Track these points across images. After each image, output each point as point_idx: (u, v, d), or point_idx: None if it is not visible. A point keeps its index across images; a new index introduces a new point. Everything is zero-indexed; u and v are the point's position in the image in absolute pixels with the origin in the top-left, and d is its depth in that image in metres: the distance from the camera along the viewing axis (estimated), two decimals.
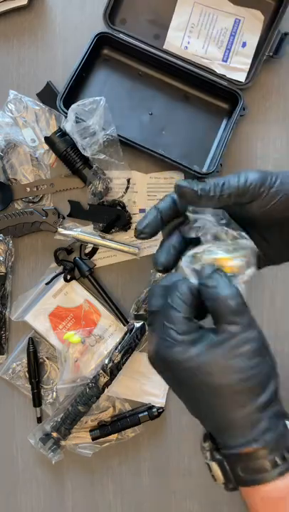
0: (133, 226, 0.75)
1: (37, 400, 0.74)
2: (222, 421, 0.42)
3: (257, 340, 0.42)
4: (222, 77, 0.75)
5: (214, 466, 0.43)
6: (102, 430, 0.72)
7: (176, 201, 0.49)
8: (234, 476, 0.42)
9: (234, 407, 0.41)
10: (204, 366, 0.41)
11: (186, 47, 0.76)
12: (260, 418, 0.40)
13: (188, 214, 0.48)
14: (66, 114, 0.70)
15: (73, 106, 0.68)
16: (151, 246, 0.75)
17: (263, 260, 0.52)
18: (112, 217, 0.73)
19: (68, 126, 0.68)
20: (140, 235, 0.48)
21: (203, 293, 0.43)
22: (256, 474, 0.40)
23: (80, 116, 0.68)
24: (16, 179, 0.75)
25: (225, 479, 0.42)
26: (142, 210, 0.75)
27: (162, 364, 0.43)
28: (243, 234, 0.47)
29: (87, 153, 0.70)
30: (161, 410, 0.73)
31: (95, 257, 0.75)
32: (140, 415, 0.72)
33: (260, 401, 0.41)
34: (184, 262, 0.46)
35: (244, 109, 0.73)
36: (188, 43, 0.76)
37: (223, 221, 0.48)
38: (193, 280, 0.44)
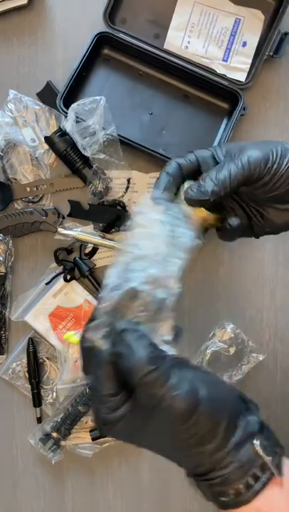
0: None
1: (37, 400, 0.74)
2: (184, 465, 0.42)
3: (183, 402, 0.38)
4: (222, 76, 0.75)
5: (192, 483, 0.43)
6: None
7: (181, 167, 0.53)
8: (211, 499, 0.42)
9: (188, 457, 0.40)
10: (138, 440, 0.42)
11: (187, 46, 0.75)
12: (220, 457, 0.39)
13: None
14: (66, 113, 0.70)
15: (73, 105, 0.68)
16: None
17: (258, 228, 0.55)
18: (112, 217, 0.73)
19: (68, 125, 0.68)
20: (157, 200, 0.51)
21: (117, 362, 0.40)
22: (225, 498, 0.40)
23: (80, 116, 0.68)
24: (15, 179, 0.75)
25: (205, 498, 0.43)
26: None
27: (111, 436, 0.44)
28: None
29: (87, 153, 0.70)
30: None
31: (95, 257, 0.75)
32: None
33: (214, 445, 0.39)
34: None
35: (244, 109, 0.73)
36: (189, 42, 0.75)
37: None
38: (105, 347, 0.41)
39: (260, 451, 0.39)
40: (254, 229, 0.56)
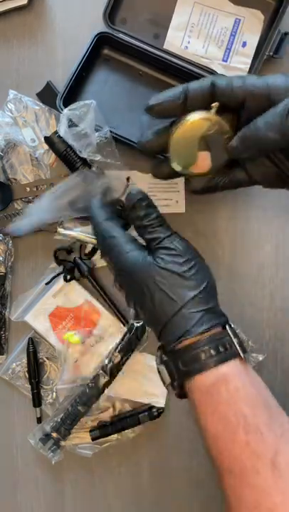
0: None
1: (37, 400, 0.74)
2: (161, 317, 0.46)
3: (183, 242, 0.48)
4: None
5: (162, 368, 0.47)
6: (102, 430, 0.72)
7: (215, 86, 0.45)
8: (177, 372, 0.45)
9: (170, 302, 0.45)
10: (145, 268, 0.46)
11: (186, 47, 0.76)
12: (194, 313, 0.44)
13: None
14: None
15: (65, 111, 0.68)
16: None
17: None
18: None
19: (62, 130, 0.68)
20: (148, 110, 0.48)
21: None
22: (193, 364, 0.44)
23: (72, 120, 0.68)
24: (15, 179, 0.75)
25: (170, 378, 0.46)
26: None
27: (123, 273, 0.49)
28: None
29: (84, 155, 0.70)
30: (161, 411, 0.73)
31: (95, 257, 0.75)
32: (140, 415, 0.72)
33: (191, 295, 0.45)
34: None
35: None
36: (189, 42, 0.75)
37: None
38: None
39: (229, 330, 0.46)
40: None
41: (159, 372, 0.48)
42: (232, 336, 0.46)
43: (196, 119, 0.46)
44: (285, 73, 0.44)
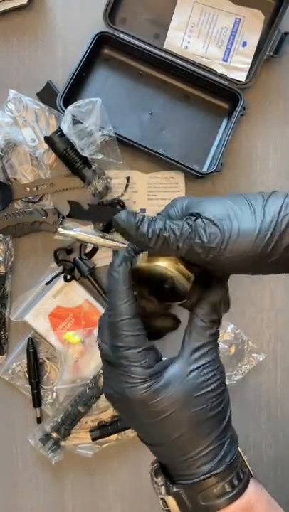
0: None
1: (37, 401, 0.74)
2: (185, 452, 0.41)
3: (222, 370, 0.41)
4: (222, 76, 0.75)
5: (170, 500, 0.42)
6: (102, 430, 0.72)
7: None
8: (193, 505, 0.41)
9: (199, 437, 0.40)
10: (169, 402, 0.39)
11: (187, 46, 0.75)
12: (222, 444, 0.41)
13: None
14: None
15: (69, 108, 0.68)
16: None
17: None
18: (112, 216, 0.73)
19: (65, 127, 0.68)
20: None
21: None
22: (217, 498, 0.40)
23: (76, 118, 0.68)
24: (15, 179, 0.75)
25: (181, 511, 0.42)
26: (142, 210, 0.75)
27: (124, 403, 0.41)
28: None
29: (85, 154, 0.70)
30: None
31: (95, 257, 0.75)
32: None
33: (222, 428, 0.41)
34: None
35: (244, 109, 0.73)
36: (189, 42, 0.75)
37: None
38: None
39: (242, 454, 0.42)
40: None
41: (162, 500, 0.44)
42: (243, 456, 0.42)
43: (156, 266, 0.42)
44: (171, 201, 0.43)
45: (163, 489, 0.43)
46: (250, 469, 0.42)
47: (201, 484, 0.41)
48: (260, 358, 0.74)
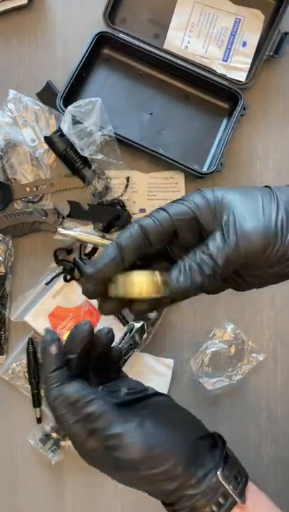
0: None
1: (37, 401, 0.74)
2: (152, 493, 0.44)
3: (137, 446, 0.41)
4: (222, 76, 0.75)
5: None
6: None
7: (147, 232, 0.39)
8: None
9: (154, 494, 0.43)
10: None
11: (187, 46, 0.75)
12: (184, 494, 0.41)
13: None
14: None
15: (69, 108, 0.68)
16: None
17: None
18: (111, 216, 0.73)
19: (65, 127, 0.68)
20: (88, 281, 0.40)
21: None
22: None
23: (76, 118, 0.68)
24: (15, 179, 0.75)
25: None
26: (141, 210, 0.75)
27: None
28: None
29: (85, 154, 0.70)
30: None
31: (95, 257, 0.75)
32: None
33: (175, 484, 0.41)
34: None
35: (244, 109, 0.73)
36: (189, 42, 0.75)
37: None
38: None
39: (222, 481, 0.42)
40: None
41: None
42: (225, 484, 0.42)
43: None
44: (200, 190, 0.40)
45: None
46: (236, 497, 0.42)
47: None
48: (260, 358, 0.74)
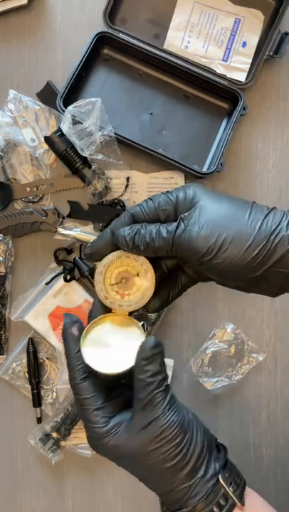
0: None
1: (37, 400, 0.74)
2: (158, 490, 0.45)
3: (177, 422, 0.43)
4: (222, 76, 0.75)
5: None
6: None
7: (133, 215, 0.46)
8: None
9: (163, 480, 0.43)
10: (124, 456, 0.43)
11: (186, 46, 0.75)
12: (190, 485, 0.43)
13: None
14: None
15: (69, 108, 0.68)
16: None
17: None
18: (111, 216, 0.73)
19: (65, 127, 0.68)
20: (89, 259, 0.48)
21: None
22: None
23: (76, 118, 0.68)
24: (15, 179, 0.75)
25: None
26: None
27: (97, 451, 0.45)
28: None
29: (85, 154, 0.70)
30: None
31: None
32: None
33: (185, 472, 0.43)
34: None
35: (244, 109, 0.73)
36: (189, 42, 0.75)
37: None
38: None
39: (223, 483, 0.43)
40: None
41: None
42: (226, 486, 0.44)
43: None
44: (185, 185, 0.46)
45: None
46: (236, 499, 0.43)
47: None
48: (260, 358, 0.74)
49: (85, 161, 0.73)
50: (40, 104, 0.75)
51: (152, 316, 0.72)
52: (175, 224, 0.44)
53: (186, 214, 0.44)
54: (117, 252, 0.46)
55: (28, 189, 0.74)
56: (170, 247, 0.43)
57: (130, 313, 0.48)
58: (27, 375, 0.74)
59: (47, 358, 0.75)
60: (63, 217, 0.74)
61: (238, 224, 0.42)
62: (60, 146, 0.71)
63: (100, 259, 0.47)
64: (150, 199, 0.46)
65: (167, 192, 0.46)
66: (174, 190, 0.46)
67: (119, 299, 0.47)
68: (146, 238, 0.44)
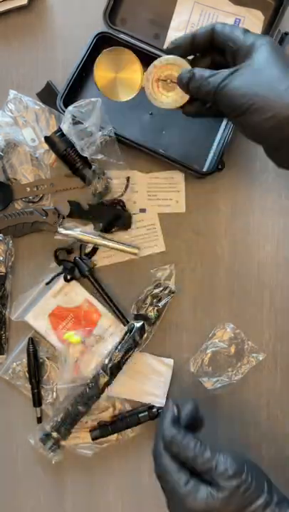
0: (133, 226, 0.75)
1: (37, 400, 0.74)
2: None
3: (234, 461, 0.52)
4: None
5: None
6: (102, 430, 0.72)
7: (214, 30, 0.56)
8: None
9: None
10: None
11: None
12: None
13: None
14: None
15: (69, 108, 0.68)
16: (151, 246, 0.75)
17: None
18: (111, 216, 0.73)
19: (65, 127, 0.69)
20: (170, 46, 0.58)
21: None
22: None
23: (76, 118, 0.68)
24: (15, 179, 0.75)
25: None
26: (142, 210, 0.75)
27: None
28: None
29: (85, 154, 0.70)
30: (161, 410, 0.73)
31: (95, 257, 0.75)
32: (140, 415, 0.72)
33: (261, 503, 0.50)
34: None
35: None
36: None
37: None
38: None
39: None
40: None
41: None
42: None
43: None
44: (260, 37, 0.54)
45: None
46: None
47: None
48: (260, 358, 0.74)
49: (85, 161, 0.73)
50: (41, 104, 0.75)
51: (152, 316, 0.72)
52: (223, 75, 0.52)
53: (237, 67, 0.52)
54: (172, 58, 0.60)
55: (28, 189, 0.75)
56: (212, 95, 0.54)
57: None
58: (27, 375, 0.74)
59: (47, 358, 0.75)
60: (63, 217, 0.74)
61: (275, 92, 0.49)
62: (61, 146, 0.71)
63: (181, 49, 0.59)
64: (211, 25, 0.56)
65: (246, 31, 0.54)
66: (251, 34, 0.54)
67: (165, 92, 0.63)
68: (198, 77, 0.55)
